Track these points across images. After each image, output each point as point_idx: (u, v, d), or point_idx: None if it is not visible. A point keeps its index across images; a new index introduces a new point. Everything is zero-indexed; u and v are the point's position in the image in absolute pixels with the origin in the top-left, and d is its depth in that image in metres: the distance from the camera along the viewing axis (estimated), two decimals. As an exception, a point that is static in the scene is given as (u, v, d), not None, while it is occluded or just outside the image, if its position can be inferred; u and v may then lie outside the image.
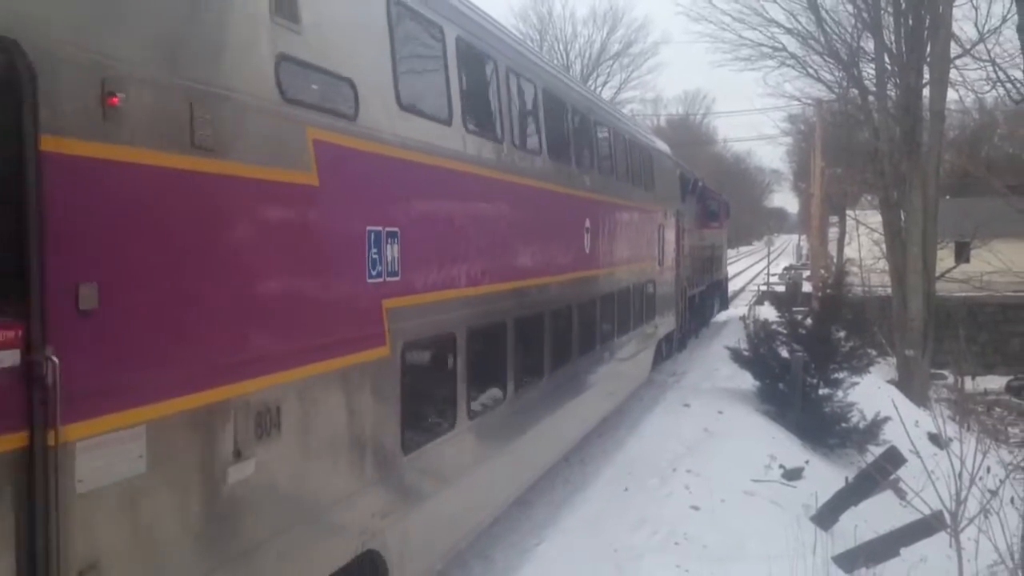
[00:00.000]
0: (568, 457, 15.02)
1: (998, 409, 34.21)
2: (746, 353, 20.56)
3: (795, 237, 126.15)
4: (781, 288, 49.35)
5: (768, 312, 27.45)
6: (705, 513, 11.59)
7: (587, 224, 14.10)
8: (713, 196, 36.13)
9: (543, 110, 12.03)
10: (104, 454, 4.32)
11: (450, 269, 8.55)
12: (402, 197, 7.57)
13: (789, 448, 16.48)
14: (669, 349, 25.08)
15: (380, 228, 7.10)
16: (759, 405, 19.53)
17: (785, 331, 20.39)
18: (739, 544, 10.58)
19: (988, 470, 9.44)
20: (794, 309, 22.20)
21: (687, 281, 26.66)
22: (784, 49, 37.49)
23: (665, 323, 22.83)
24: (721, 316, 38.97)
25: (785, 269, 77.55)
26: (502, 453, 10.39)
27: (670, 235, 22.66)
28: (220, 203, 5.22)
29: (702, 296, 32.20)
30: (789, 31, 36.41)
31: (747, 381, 20.67)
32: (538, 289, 11.57)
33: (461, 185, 9.03)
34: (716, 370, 23.49)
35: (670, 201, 22.95)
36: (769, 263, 73.68)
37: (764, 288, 56.76)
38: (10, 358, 3.92)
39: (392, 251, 7.29)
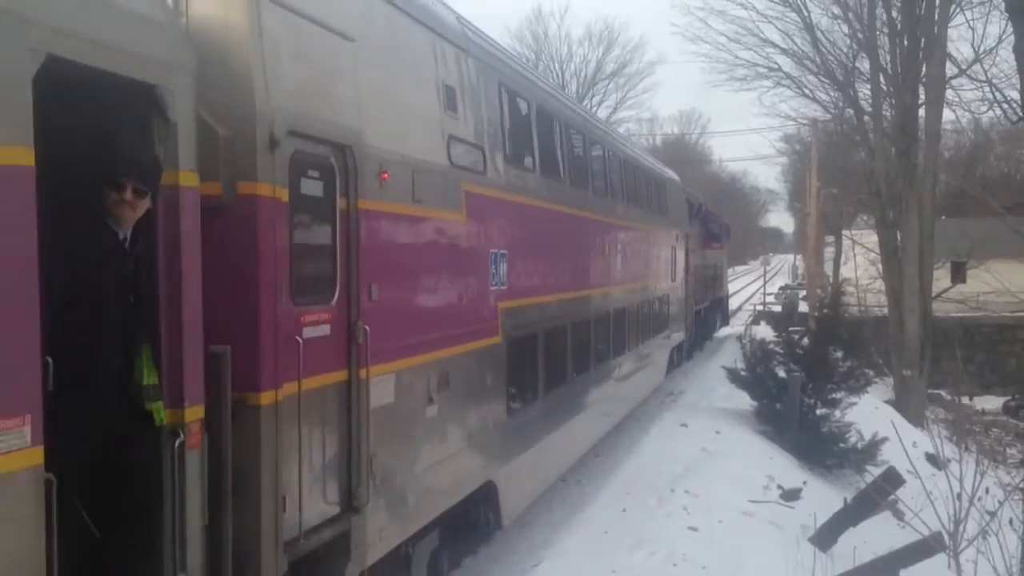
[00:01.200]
0: (565, 477, 15.15)
1: (996, 429, 34.19)
2: (743, 373, 20.54)
3: (791, 257, 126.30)
4: (777, 308, 49.51)
5: (764, 332, 28.09)
6: (703, 534, 11.55)
7: (620, 246, 17.21)
8: (715, 219, 39.11)
9: (591, 155, 15.60)
10: (379, 387, 7.32)
11: (535, 282, 11.74)
12: (508, 227, 10.63)
13: (787, 468, 16.44)
14: (680, 357, 27.96)
15: (497, 250, 10.23)
16: (757, 425, 19.50)
17: (782, 351, 20.38)
18: (738, 565, 10.54)
19: (987, 491, 9.43)
20: (791, 329, 22.22)
21: (694, 297, 29.51)
22: (780, 69, 37.67)
23: (677, 333, 25.82)
24: (722, 332, 40.95)
25: (781, 289, 77.61)
26: (565, 424, 13.49)
27: (681, 255, 25.59)
28: (425, 235, 8.45)
29: (706, 311, 35.22)
30: (785, 51, 36.59)
31: (744, 401, 20.65)
32: (587, 299, 14.75)
33: (540, 217, 12.13)
34: (713, 390, 23.47)
35: (680, 224, 25.86)
36: (765, 283, 73.76)
37: (760, 308, 56.85)
38: (340, 328, 6.91)
39: (503, 268, 10.44)
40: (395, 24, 8.23)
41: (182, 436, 5.36)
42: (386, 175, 7.46)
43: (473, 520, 10.44)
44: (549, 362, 12.37)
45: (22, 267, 4.18)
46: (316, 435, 6.69)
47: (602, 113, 74.11)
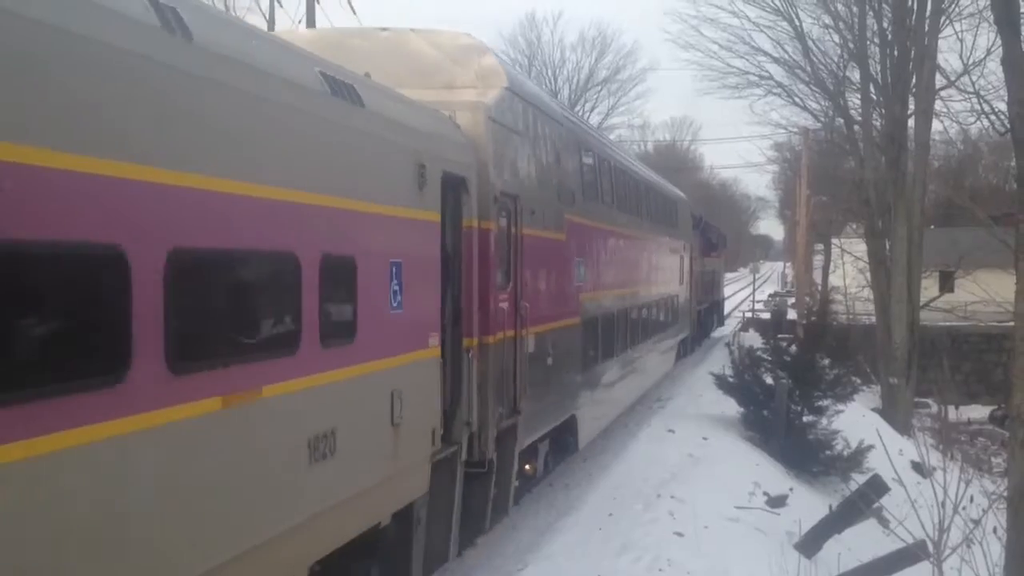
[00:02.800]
0: (552, 482, 15.25)
1: (981, 438, 34.33)
2: (731, 379, 20.60)
3: (780, 264, 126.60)
4: (766, 315, 49.69)
5: (753, 339, 28.47)
6: (689, 539, 11.57)
7: (647, 255, 22.53)
8: (713, 230, 44.11)
9: (629, 186, 20.75)
10: (528, 342, 11.79)
11: (597, 282, 16.80)
12: (584, 242, 15.64)
13: (773, 475, 16.49)
14: (685, 349, 32.80)
15: (580, 259, 15.32)
16: (743, 431, 19.55)
17: (770, 358, 20.45)
18: (723, 571, 10.56)
19: (971, 499, 9.48)
20: (779, 336, 22.29)
21: (696, 299, 34.48)
22: (771, 78, 37.77)
23: (684, 328, 30.77)
24: (718, 332, 45.44)
25: (770, 296, 77.78)
26: (616, 383, 19.06)
27: (687, 262, 30.59)
28: (547, 248, 13.09)
29: (706, 311, 40.61)
30: (776, 60, 36.70)
31: (731, 407, 20.70)
32: (627, 296, 19.95)
33: (600, 234, 17.24)
34: (700, 396, 23.52)
35: (687, 236, 30.99)
36: (755, 290, 73.90)
37: (749, 315, 56.97)
38: (512, 305, 11.43)
39: (582, 270, 15.54)
40: (535, 119, 13.15)
41: (470, 352, 10.41)
42: (533, 211, 12.39)
43: (563, 441, 15.48)
44: (605, 339, 17.45)
45: (435, 270, 9.58)
46: (505, 366, 11.36)
47: (594, 119, 74.31)
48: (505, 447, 11.67)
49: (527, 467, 13.65)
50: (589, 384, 16.20)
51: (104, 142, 4.99)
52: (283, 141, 6.69)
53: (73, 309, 4.85)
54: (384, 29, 12.62)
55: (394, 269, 8.44)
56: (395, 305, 8.52)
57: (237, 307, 6.37)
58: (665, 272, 25.39)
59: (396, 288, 8.52)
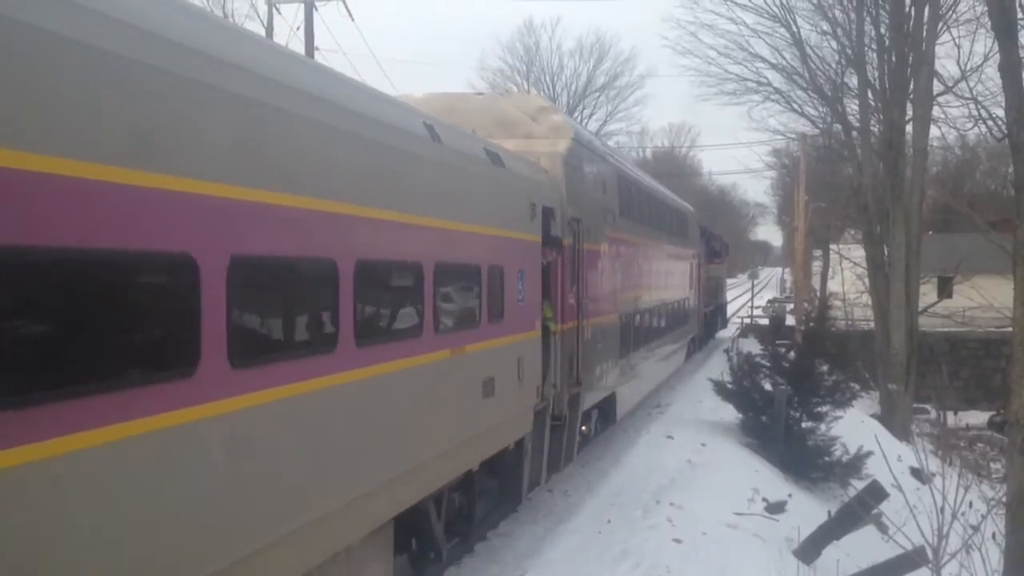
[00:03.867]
0: (552, 489, 15.23)
1: (980, 444, 34.32)
2: (729, 386, 20.59)
3: (779, 270, 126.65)
4: (765, 321, 49.74)
5: (751, 345, 28.52)
6: (688, 546, 11.55)
7: (666, 263, 26.41)
8: (717, 239, 46.71)
9: (653, 205, 24.60)
10: (586, 331, 15.46)
11: (631, 284, 20.12)
12: (620, 252, 18.75)
13: (772, 481, 16.47)
14: (693, 347, 35.89)
15: (617, 267, 18.38)
16: (742, 438, 19.54)
17: (768, 364, 20.45)
18: (721, 578, 10.54)
19: (970, 505, 9.46)
20: (777, 342, 22.28)
21: (703, 302, 37.88)
22: (769, 84, 37.80)
23: (694, 327, 34.21)
24: (721, 333, 48.95)
25: (769, 302, 77.84)
26: (645, 369, 22.55)
27: (696, 269, 34.16)
28: (596, 257, 16.55)
29: (711, 314, 44.10)
30: (774, 66, 36.72)
31: (730, 413, 20.69)
32: (653, 297, 23.66)
33: (632, 246, 20.43)
34: (699, 402, 23.51)
35: (695, 245, 34.36)
36: (753, 296, 73.96)
37: (748, 321, 56.99)
38: (576, 301, 15.00)
39: (619, 275, 18.60)
40: (589, 158, 16.84)
41: (556, 334, 13.86)
42: (588, 231, 15.79)
43: (606, 412, 18.88)
44: (636, 333, 20.88)
45: (539, 275, 13.13)
46: (572, 348, 14.76)
47: (592, 126, 74.36)
48: (572, 408, 15.29)
49: (583, 428, 17.05)
50: (624, 369, 19.48)
51: (407, 203, 8.85)
52: (474, 192, 10.93)
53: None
54: (479, 94, 21.32)
55: (520, 274, 12.23)
56: (520, 299, 12.29)
57: (466, 297, 10.61)
58: (679, 278, 29.30)
59: (520, 287, 12.27)
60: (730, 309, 72.09)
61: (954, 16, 28.98)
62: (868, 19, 31.48)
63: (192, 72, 5.74)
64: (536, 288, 13.01)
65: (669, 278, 26.69)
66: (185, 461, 5.66)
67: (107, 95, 5.05)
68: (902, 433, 27.26)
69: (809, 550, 11.94)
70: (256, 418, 6.32)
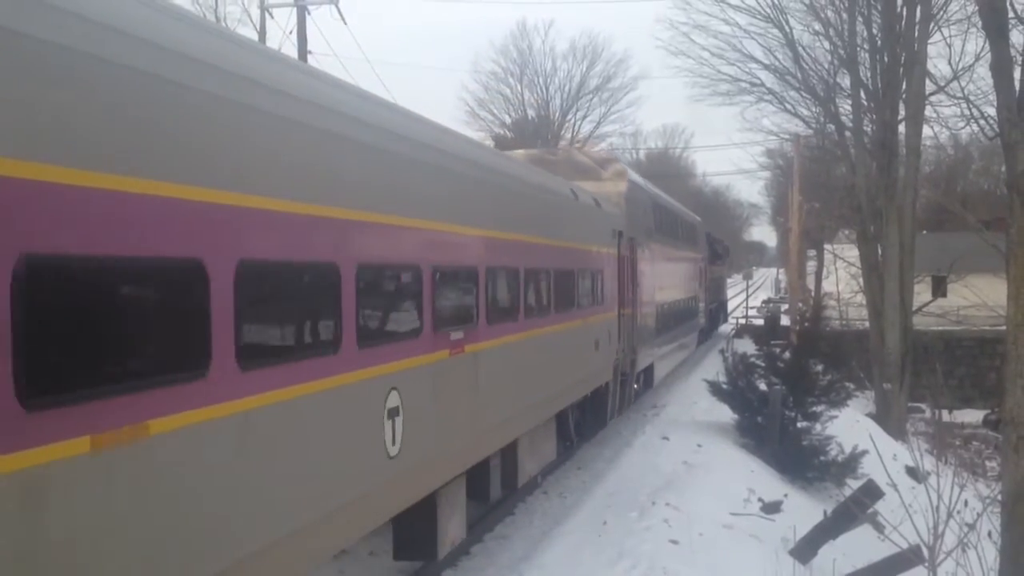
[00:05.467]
0: (547, 491, 15.22)
1: (975, 443, 34.37)
2: (725, 386, 20.61)
3: (773, 271, 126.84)
4: (760, 321, 49.82)
5: (746, 345, 28.65)
6: (684, 547, 11.55)
7: (684, 268, 32.96)
8: (719, 243, 52.99)
9: (675, 221, 31.20)
10: (638, 317, 21.94)
11: (662, 286, 26.23)
12: (654, 261, 24.72)
13: (768, 481, 16.49)
14: (701, 338, 41.09)
15: (652, 270, 24.31)
16: (738, 438, 19.56)
17: (763, 364, 20.47)
18: (718, 578, 10.55)
19: (966, 504, 9.46)
20: (772, 342, 22.32)
21: (708, 299, 43.60)
22: (762, 85, 37.95)
23: (702, 320, 40.22)
24: (722, 328, 55.40)
25: (764, 302, 77.91)
26: (670, 349, 28.75)
27: (702, 271, 39.48)
28: (638, 266, 22.08)
29: (714, 310, 50.92)
30: (767, 67, 36.88)
31: (725, 414, 20.70)
32: (674, 294, 29.29)
33: (661, 256, 26.34)
34: (695, 403, 23.53)
35: (701, 250, 39.74)
36: (748, 296, 74.00)
37: (743, 321, 57.04)
38: (630, 296, 21.04)
39: (655, 277, 24.88)
40: (637, 192, 23.14)
41: (621, 316, 19.74)
42: (639, 245, 21.84)
43: (647, 378, 24.92)
44: (665, 321, 26.92)
45: (615, 276, 19.41)
46: (628, 326, 20.62)
47: (586, 128, 74.51)
48: (631, 369, 21.46)
49: (635, 385, 23.09)
50: (658, 347, 25.77)
51: (564, 235, 15.20)
52: (593, 226, 17.59)
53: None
54: (560, 148, 36.42)
55: (607, 273, 18.35)
56: (606, 289, 18.18)
57: (590, 288, 16.71)
58: (691, 279, 35.29)
59: (609, 284, 18.53)
60: (729, 307, 73.06)
61: (945, 16, 29.12)
62: (860, 19, 31.59)
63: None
64: (615, 285, 19.18)
65: (685, 279, 33.24)
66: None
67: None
68: (897, 432, 27.32)
69: (805, 550, 11.95)
70: (472, 360, 10.56)
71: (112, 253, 5.03)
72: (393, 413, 8.28)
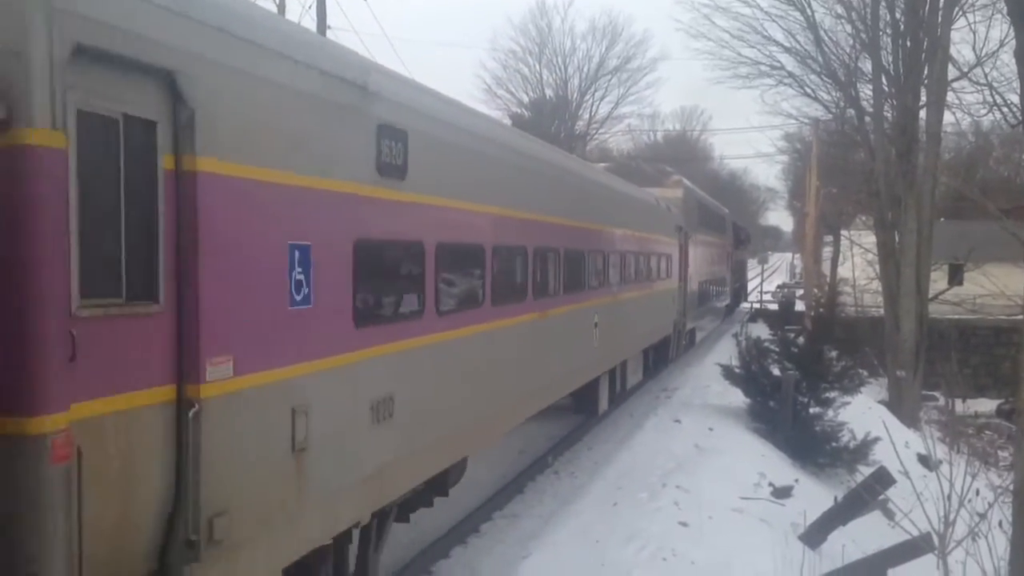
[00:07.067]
0: (558, 471, 15.30)
1: (988, 432, 34.21)
2: (738, 370, 20.57)
3: (789, 255, 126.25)
4: (774, 306, 49.66)
5: (761, 330, 28.74)
6: (694, 529, 11.58)
7: (716, 251, 39.57)
8: (742, 230, 58.73)
9: (710, 215, 38.18)
10: (687, 289, 29.23)
11: (700, 271, 32.88)
12: (698, 246, 32.34)
13: (779, 466, 16.47)
14: (726, 312, 48.63)
15: (696, 254, 31.49)
16: (750, 422, 19.53)
17: (777, 349, 20.40)
18: (727, 561, 10.57)
19: (977, 493, 9.44)
20: (786, 327, 22.25)
21: (732, 279, 50.20)
22: (782, 68, 37.67)
23: (728, 296, 47.65)
24: (743, 305, 60.56)
25: (778, 287, 77.64)
26: (705, 317, 36.86)
27: (730, 255, 46.68)
28: (688, 250, 29.18)
29: (737, 290, 57.19)
30: (787, 50, 36.58)
31: (738, 398, 20.68)
32: (710, 274, 36.85)
33: (701, 243, 33.63)
34: (707, 386, 23.52)
35: (727, 237, 45.79)
36: (763, 281, 73.79)
37: (757, 306, 56.90)
38: (683, 271, 28.41)
39: (698, 259, 32.29)
40: (689, 194, 31.14)
41: (678, 286, 27.44)
42: (689, 234, 29.22)
43: (692, 338, 32.87)
44: (703, 294, 33.90)
45: (676, 257, 27.36)
46: (682, 295, 27.97)
47: (604, 109, 74.19)
48: (683, 328, 28.63)
49: (683, 341, 29.77)
50: (699, 315, 33.21)
51: (658, 229, 24.42)
52: (665, 224, 25.02)
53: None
54: (631, 161, 41.95)
55: (672, 257, 25.76)
56: (672, 268, 25.51)
57: (664, 265, 24.57)
58: (721, 262, 42.30)
59: (674, 264, 26.03)
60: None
61: (970, 1, 28.73)
62: (883, 3, 31.25)
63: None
64: (676, 266, 26.44)
65: (717, 262, 40.53)
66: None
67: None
68: (910, 420, 27.24)
69: (815, 535, 11.95)
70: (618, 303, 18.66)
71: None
72: (596, 326, 16.41)
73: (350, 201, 7.35)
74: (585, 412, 18.83)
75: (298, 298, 6.62)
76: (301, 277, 6.66)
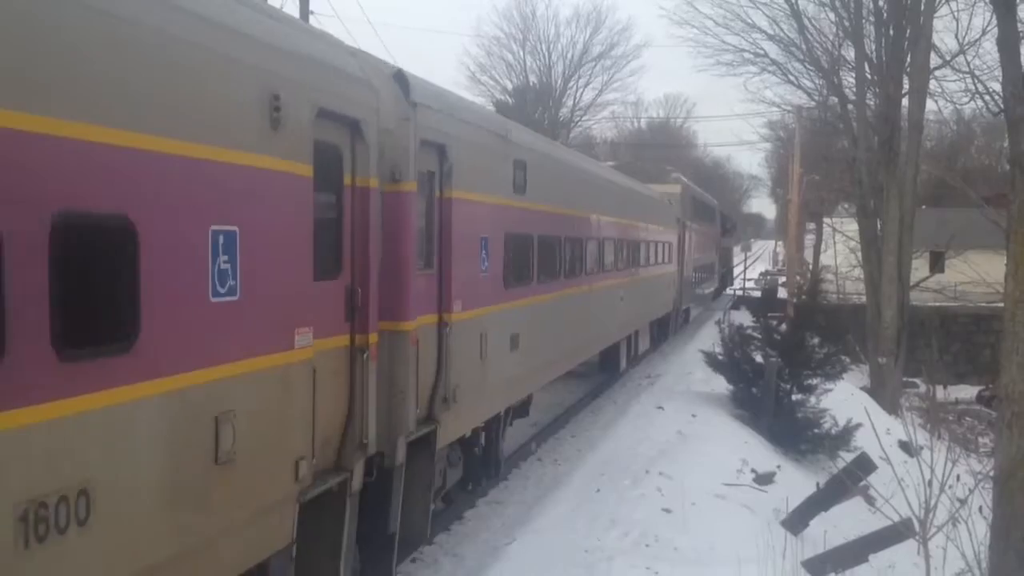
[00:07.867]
0: (542, 458, 15.30)
1: (968, 418, 34.49)
2: (721, 357, 20.62)
3: (772, 243, 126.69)
4: (757, 294, 49.95)
5: (744, 318, 28.86)
6: (676, 516, 11.61)
7: (707, 239, 44.97)
8: (728, 219, 62.65)
9: (701, 208, 42.83)
10: (685, 272, 35.15)
11: (694, 255, 38.50)
12: (692, 234, 37.51)
13: (761, 453, 16.54)
14: (714, 295, 52.46)
15: (695, 241, 38.87)
16: (732, 409, 19.60)
17: (760, 336, 20.47)
18: (709, 547, 10.61)
19: (958, 479, 9.50)
20: (769, 314, 22.32)
21: (720, 264, 54.12)
22: (766, 55, 37.62)
23: (716, 281, 52.13)
24: (728, 290, 63.15)
25: (761, 274, 77.94)
26: (698, 298, 41.90)
27: (718, 243, 51.20)
28: (688, 239, 35.89)
29: (723, 275, 60.65)
30: (771, 38, 36.53)
31: (721, 385, 20.74)
32: (704, 258, 43.54)
33: (697, 231, 39.24)
34: (690, 373, 23.57)
35: (716, 225, 50.08)
36: (746, 268, 74.02)
37: (740, 293, 57.11)
38: (688, 256, 36.07)
39: (693, 247, 37.71)
40: (687, 191, 36.84)
41: (675, 272, 32.57)
42: (688, 226, 35.03)
43: (687, 316, 38.06)
44: (697, 279, 39.87)
45: (675, 246, 32.90)
46: (678, 278, 32.61)
47: (588, 96, 74.18)
48: (680, 307, 33.26)
49: (680, 319, 33.79)
50: (694, 296, 38.92)
51: (662, 221, 29.42)
52: (668, 216, 30.30)
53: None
54: (636, 161, 46.44)
55: (672, 244, 30.61)
56: (672, 254, 30.13)
57: (658, 252, 27.39)
58: (711, 249, 47.20)
59: (673, 250, 30.60)
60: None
61: (953, -11, 28.75)
62: (866, -9, 31.23)
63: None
64: (675, 252, 30.03)
65: (708, 249, 45.13)
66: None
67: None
68: (891, 406, 27.37)
69: (797, 521, 12.01)
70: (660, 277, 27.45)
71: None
72: (621, 299, 20.83)
73: (502, 208, 12.02)
74: (608, 369, 23.43)
75: (483, 268, 11.13)
76: (484, 255, 11.13)
